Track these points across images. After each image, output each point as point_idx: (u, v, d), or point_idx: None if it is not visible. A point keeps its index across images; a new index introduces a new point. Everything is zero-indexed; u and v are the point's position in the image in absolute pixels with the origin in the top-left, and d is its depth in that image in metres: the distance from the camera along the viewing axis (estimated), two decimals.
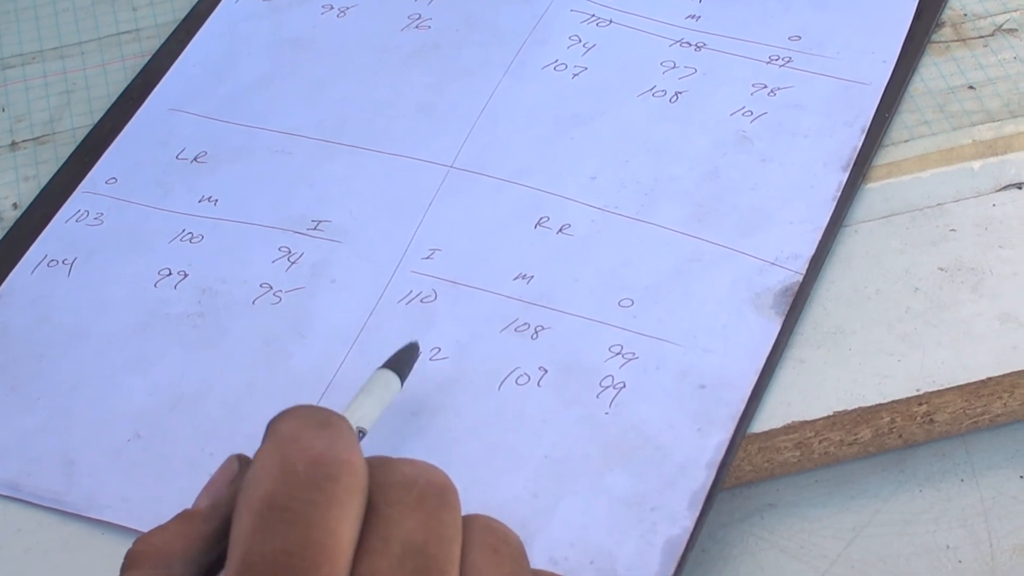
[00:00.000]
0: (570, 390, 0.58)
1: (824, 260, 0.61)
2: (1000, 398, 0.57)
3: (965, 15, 0.70)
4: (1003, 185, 0.64)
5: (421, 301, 0.62)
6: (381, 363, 0.55)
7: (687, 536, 0.54)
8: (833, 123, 0.65)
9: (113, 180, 0.68)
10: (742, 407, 0.57)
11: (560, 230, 0.63)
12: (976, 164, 0.64)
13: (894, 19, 0.69)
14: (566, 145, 0.66)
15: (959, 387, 0.57)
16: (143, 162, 0.69)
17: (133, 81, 0.73)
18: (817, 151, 0.64)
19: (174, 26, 0.76)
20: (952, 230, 0.62)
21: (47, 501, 0.58)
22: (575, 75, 0.69)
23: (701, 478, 0.55)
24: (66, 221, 0.67)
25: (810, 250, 0.61)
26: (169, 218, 0.66)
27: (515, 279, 0.62)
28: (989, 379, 0.57)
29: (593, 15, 0.71)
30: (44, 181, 0.69)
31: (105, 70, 0.75)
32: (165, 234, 0.66)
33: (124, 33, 0.77)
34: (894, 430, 0.57)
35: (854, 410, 0.57)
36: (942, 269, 0.61)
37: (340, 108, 0.69)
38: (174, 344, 0.62)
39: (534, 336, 0.60)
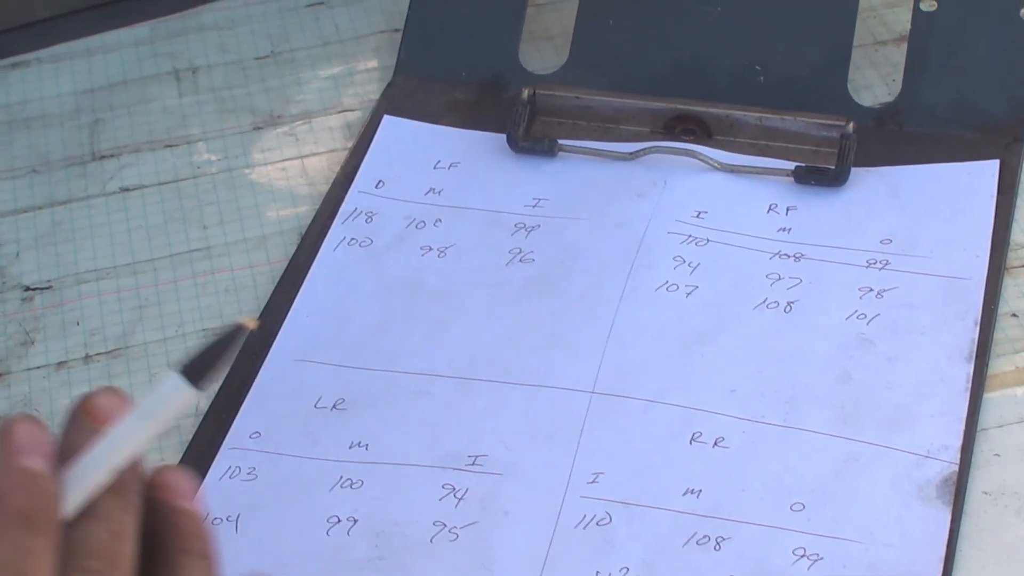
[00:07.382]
0: None
1: (972, 449, 0.65)
2: None
3: None
4: None
5: (597, 524, 0.64)
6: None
7: None
8: (945, 317, 0.70)
9: (257, 434, 0.70)
10: None
11: (715, 443, 0.66)
12: None
13: (975, 217, 0.74)
14: (698, 362, 0.70)
15: None
16: (282, 413, 0.71)
17: (250, 335, 0.75)
18: (937, 346, 0.69)
19: (242, 244, 0.79)
20: None
21: None
22: (688, 294, 0.73)
23: None
24: (219, 478, 0.68)
25: (958, 440, 0.65)
26: (323, 466, 0.68)
27: (684, 494, 0.65)
28: None
29: (690, 235, 0.75)
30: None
31: (176, 287, 0.78)
32: (323, 482, 0.68)
33: (195, 251, 0.80)
34: None
35: None
36: None
37: (467, 345, 0.72)
38: None
39: (716, 547, 0.63)
